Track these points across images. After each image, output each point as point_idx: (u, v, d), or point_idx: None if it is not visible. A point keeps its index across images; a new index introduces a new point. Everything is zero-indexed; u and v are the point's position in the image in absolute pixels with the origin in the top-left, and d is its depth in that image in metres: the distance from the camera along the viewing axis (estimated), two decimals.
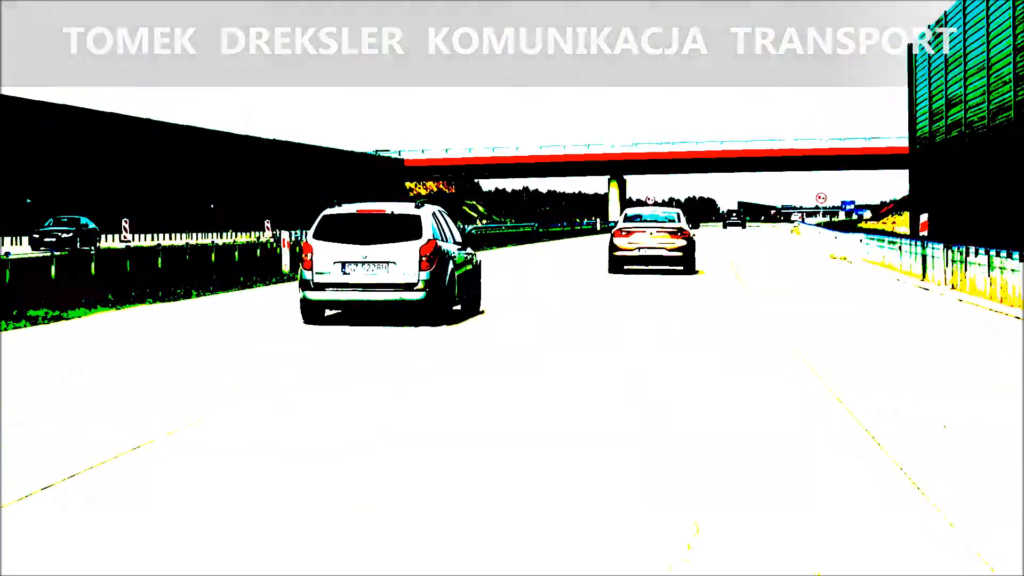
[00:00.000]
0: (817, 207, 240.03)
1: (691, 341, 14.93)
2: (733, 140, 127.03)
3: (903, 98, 46.27)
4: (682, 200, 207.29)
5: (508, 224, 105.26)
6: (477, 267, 19.13)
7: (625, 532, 5.84)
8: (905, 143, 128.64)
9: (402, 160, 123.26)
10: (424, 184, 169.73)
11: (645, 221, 31.97)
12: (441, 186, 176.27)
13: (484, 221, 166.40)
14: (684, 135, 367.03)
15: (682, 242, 31.31)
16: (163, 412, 9.37)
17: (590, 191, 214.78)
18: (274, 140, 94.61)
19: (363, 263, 16.54)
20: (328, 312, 17.64)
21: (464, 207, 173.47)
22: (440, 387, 10.95)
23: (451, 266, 17.13)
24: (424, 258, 16.48)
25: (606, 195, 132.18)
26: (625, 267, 32.01)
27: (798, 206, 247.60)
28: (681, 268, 31.72)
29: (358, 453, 7.81)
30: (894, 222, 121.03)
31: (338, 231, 16.77)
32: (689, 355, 13.26)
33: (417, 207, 17.13)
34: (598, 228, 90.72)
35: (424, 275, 16.45)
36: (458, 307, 18.09)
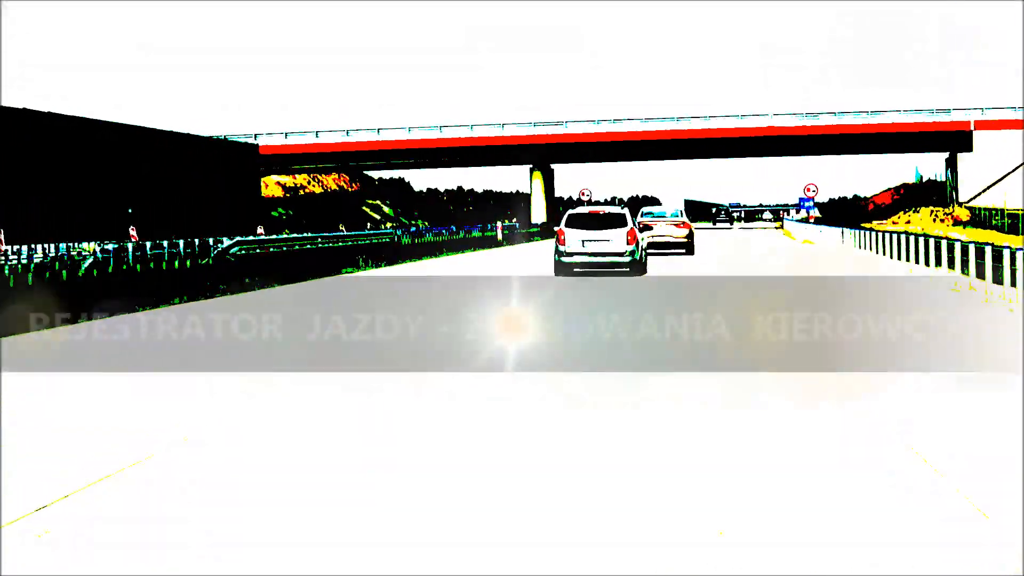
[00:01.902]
0: (761, 205, 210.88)
1: None
2: (693, 117, 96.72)
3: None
4: (625, 199, 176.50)
5: (370, 231, 74.29)
6: (646, 247, 31.90)
7: None
8: (914, 118, 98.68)
9: (256, 147, 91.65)
10: (317, 179, 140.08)
11: (658, 218, 44.11)
12: (341, 181, 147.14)
13: (390, 224, 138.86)
14: (630, 112, 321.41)
15: (686, 231, 43.64)
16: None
17: (527, 188, 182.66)
18: (32, 111, 62.21)
19: (594, 240, 28.25)
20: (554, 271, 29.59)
21: (366, 207, 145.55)
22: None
23: (640, 243, 29.12)
24: (629, 238, 28.30)
25: (529, 195, 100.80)
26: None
27: (741, 204, 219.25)
28: (684, 251, 43.22)
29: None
30: (908, 221, 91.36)
31: (578, 222, 28.56)
32: None
33: (621, 208, 29.28)
34: (500, 238, 58.27)
35: (630, 248, 28.28)
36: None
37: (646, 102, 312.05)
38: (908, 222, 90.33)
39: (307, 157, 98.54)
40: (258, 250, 33.49)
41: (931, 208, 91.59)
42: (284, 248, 37.07)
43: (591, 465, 7.60)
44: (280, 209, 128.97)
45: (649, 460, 7.75)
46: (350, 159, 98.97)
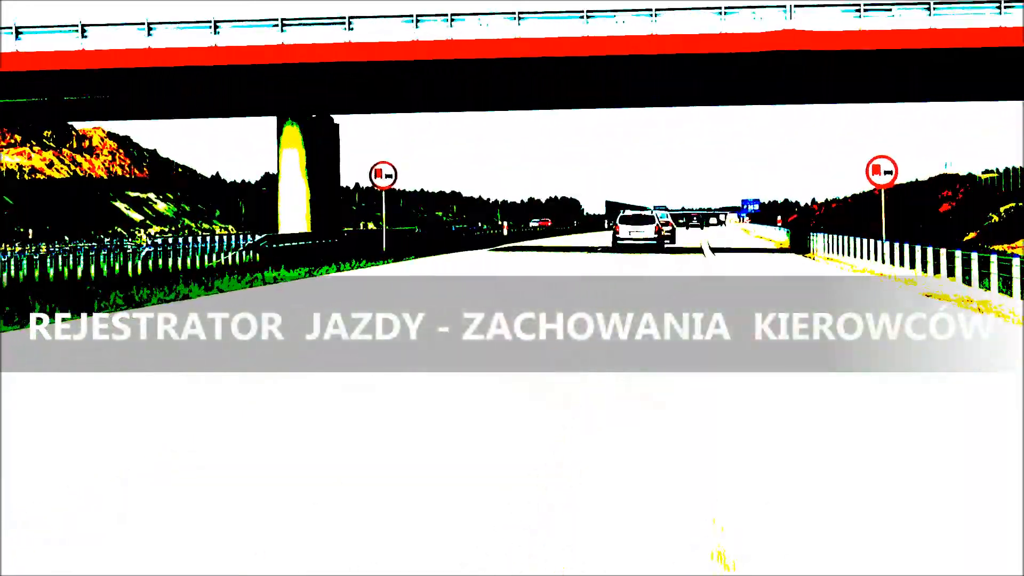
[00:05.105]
0: (683, 209, 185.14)
1: None
2: (619, 12, 46.18)
3: None
4: (543, 200, 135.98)
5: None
6: (663, 233, 52.71)
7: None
8: None
9: None
10: (71, 160, 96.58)
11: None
12: (116, 166, 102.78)
13: (168, 228, 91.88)
14: (485, 4, 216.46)
15: (671, 227, 62.38)
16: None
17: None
18: None
19: (636, 230, 47.67)
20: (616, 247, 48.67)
21: (121, 203, 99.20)
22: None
23: (663, 231, 49.47)
24: (655, 228, 48.00)
25: (276, 174, 48.71)
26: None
27: (662, 206, 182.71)
28: (668, 240, 57.92)
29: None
30: None
31: (627, 220, 48.69)
32: None
33: (650, 211, 58.38)
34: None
35: (655, 234, 47.64)
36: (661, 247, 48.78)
37: None
38: None
39: None
40: None
41: None
42: None
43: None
44: None
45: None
46: None
